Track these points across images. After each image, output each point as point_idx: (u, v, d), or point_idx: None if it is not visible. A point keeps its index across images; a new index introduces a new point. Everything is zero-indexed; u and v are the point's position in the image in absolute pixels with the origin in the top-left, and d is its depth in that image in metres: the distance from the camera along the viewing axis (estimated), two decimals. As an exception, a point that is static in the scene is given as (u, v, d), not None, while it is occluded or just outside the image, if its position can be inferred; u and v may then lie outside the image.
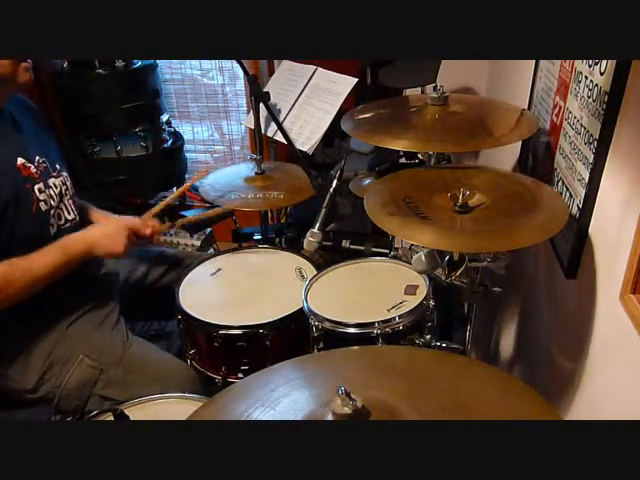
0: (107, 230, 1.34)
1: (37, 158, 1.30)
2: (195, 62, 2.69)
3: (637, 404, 0.83)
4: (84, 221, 1.47)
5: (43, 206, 1.27)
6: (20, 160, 1.24)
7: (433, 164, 1.40)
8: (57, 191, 1.33)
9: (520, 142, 1.51)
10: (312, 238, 1.36)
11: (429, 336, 1.26)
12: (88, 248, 1.29)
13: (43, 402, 1.33)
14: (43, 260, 1.22)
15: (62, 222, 1.34)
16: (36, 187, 1.27)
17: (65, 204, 1.37)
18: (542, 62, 1.36)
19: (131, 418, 0.94)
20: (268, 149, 2.00)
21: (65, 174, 1.39)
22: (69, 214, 1.37)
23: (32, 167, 1.27)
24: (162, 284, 1.65)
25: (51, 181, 1.32)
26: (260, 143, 1.75)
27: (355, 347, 1.05)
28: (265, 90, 1.66)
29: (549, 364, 1.28)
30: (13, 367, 1.31)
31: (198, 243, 2.32)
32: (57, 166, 1.37)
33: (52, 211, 1.31)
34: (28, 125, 1.35)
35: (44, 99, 2.37)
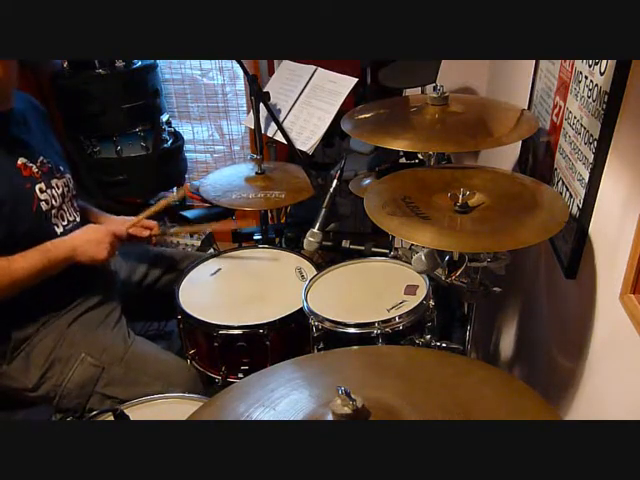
0: (90, 236, 1.33)
1: (41, 158, 1.31)
2: (195, 62, 2.69)
3: (637, 404, 0.83)
4: (85, 222, 1.47)
5: (44, 206, 1.28)
6: (21, 160, 1.26)
7: (433, 164, 1.40)
8: (59, 192, 1.34)
9: (520, 142, 1.51)
10: (312, 238, 1.36)
11: (429, 336, 1.26)
12: (70, 253, 1.29)
13: (44, 401, 1.34)
14: (23, 262, 1.21)
15: (65, 223, 1.35)
16: (37, 187, 1.27)
17: (67, 205, 1.37)
18: (542, 62, 1.36)
19: (131, 418, 0.94)
20: (268, 149, 2.00)
21: (68, 176, 1.40)
22: (70, 215, 1.38)
23: (34, 167, 1.28)
24: (161, 285, 1.65)
25: (54, 182, 1.33)
26: (260, 143, 1.75)
27: (355, 347, 1.05)
28: (265, 90, 1.66)
29: (549, 364, 1.28)
30: (14, 365, 1.31)
31: (198, 243, 2.32)
32: (61, 168, 1.38)
33: (54, 211, 1.32)
34: (37, 126, 1.37)
35: (44, 99, 2.37)
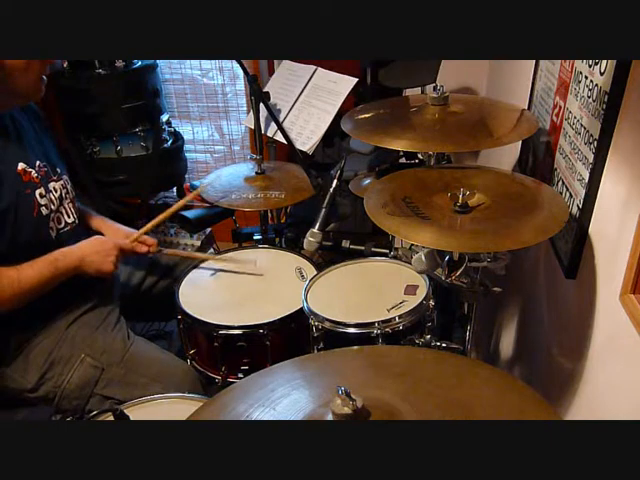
0: (98, 248, 1.34)
1: (38, 162, 1.30)
2: (195, 62, 2.69)
3: (637, 404, 0.83)
4: (83, 226, 1.47)
5: (44, 210, 1.27)
6: (21, 165, 1.24)
7: (433, 164, 1.40)
8: (57, 195, 1.33)
9: (520, 142, 1.51)
10: (312, 238, 1.36)
11: (429, 336, 1.26)
12: (78, 264, 1.29)
13: (43, 401, 1.33)
14: (32, 272, 1.21)
15: (62, 226, 1.34)
16: (37, 192, 1.26)
17: (65, 207, 1.37)
18: (542, 62, 1.36)
19: (131, 418, 0.94)
20: (268, 149, 2.00)
21: (65, 177, 1.39)
22: (69, 217, 1.37)
23: (33, 172, 1.27)
24: (160, 287, 1.65)
25: (51, 185, 1.32)
26: (260, 143, 1.75)
27: (355, 347, 1.05)
28: (265, 90, 1.66)
29: (549, 364, 1.28)
30: (13, 366, 1.31)
31: (198, 243, 2.32)
32: (58, 170, 1.37)
33: (52, 215, 1.31)
34: (30, 128, 1.35)
35: (44, 99, 2.36)
